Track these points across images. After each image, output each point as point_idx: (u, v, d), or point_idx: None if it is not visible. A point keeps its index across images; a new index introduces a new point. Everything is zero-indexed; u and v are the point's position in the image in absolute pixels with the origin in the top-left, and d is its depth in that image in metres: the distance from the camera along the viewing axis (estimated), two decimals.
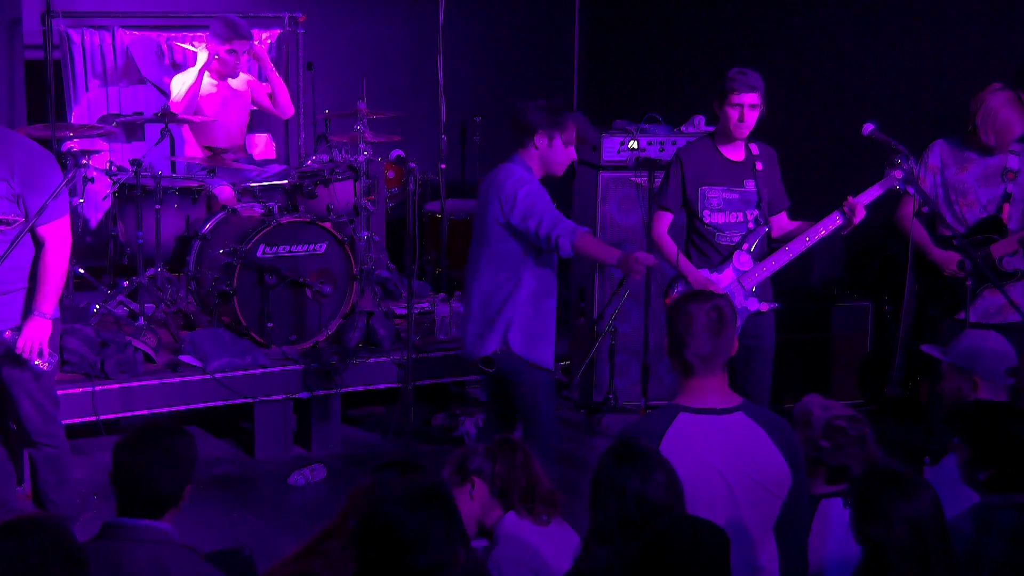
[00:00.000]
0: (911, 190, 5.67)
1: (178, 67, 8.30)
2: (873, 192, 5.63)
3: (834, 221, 5.60)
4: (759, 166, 5.70)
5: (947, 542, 3.18)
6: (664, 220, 5.75)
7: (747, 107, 5.54)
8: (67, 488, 5.34)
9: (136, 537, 3.37)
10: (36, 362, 4.91)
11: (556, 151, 5.17)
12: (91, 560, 3.28)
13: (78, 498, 5.53)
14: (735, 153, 5.71)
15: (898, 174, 5.58)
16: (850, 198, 5.59)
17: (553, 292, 5.29)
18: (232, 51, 7.58)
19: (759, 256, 5.70)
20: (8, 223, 4.83)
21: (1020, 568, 3.26)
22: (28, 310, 4.93)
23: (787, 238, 5.76)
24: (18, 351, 4.88)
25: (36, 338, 4.90)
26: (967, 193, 6.06)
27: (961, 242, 5.86)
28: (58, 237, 4.93)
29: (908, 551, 3.13)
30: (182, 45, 8.38)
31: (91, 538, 3.43)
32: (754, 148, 5.73)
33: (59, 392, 6.13)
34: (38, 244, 4.94)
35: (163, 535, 3.41)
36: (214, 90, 7.67)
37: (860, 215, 5.57)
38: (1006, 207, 6.05)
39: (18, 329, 4.91)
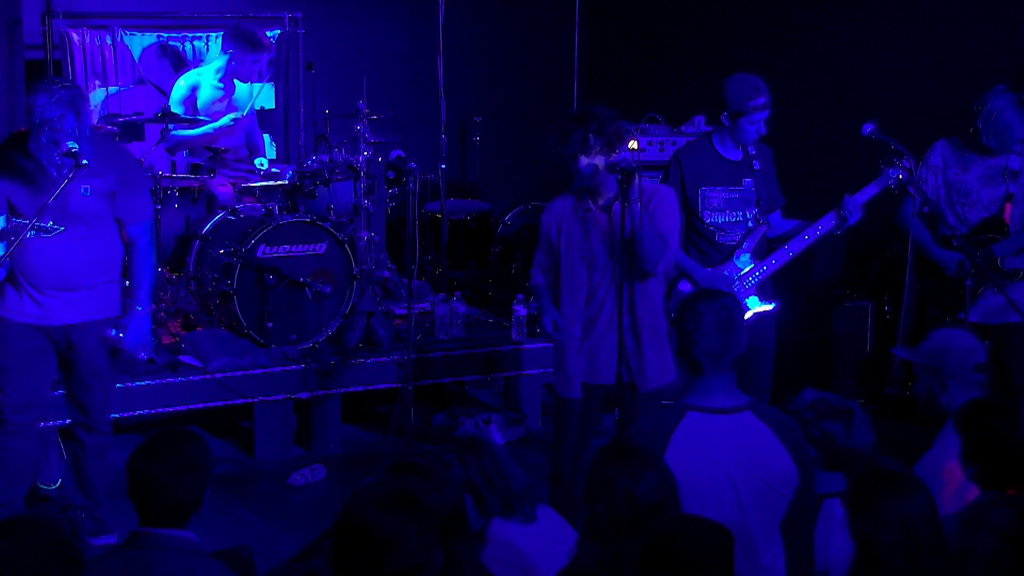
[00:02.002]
0: (911, 189, 5.67)
1: (181, 67, 8.30)
2: (869, 191, 5.64)
3: (830, 220, 5.62)
4: (756, 165, 5.71)
5: (940, 543, 3.18)
6: None
7: (765, 120, 5.57)
8: (106, 472, 5.60)
9: (168, 546, 3.34)
10: (141, 353, 5.31)
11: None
12: (123, 568, 3.28)
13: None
14: (733, 153, 5.72)
15: (894, 172, 5.59)
16: (847, 197, 5.60)
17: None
18: (257, 61, 7.65)
19: (759, 255, 5.71)
20: (99, 219, 5.15)
21: (1010, 565, 3.26)
22: (127, 306, 5.31)
23: (784, 237, 5.77)
24: (125, 347, 5.24)
25: (143, 331, 5.28)
26: (969, 193, 6.08)
27: (961, 242, 5.86)
28: (148, 236, 5.36)
29: (898, 550, 3.13)
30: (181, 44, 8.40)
31: (119, 546, 3.42)
32: (751, 147, 5.74)
33: (58, 392, 6.17)
34: (127, 243, 5.30)
35: (193, 545, 3.38)
36: (220, 93, 7.68)
37: (856, 215, 5.59)
38: (1008, 207, 6.05)
39: (115, 323, 5.24)
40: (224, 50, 7.69)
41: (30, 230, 4.91)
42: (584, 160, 4.92)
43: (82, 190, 5.10)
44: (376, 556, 2.90)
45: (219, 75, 7.65)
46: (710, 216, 5.69)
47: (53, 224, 5.00)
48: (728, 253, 5.69)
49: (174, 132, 7.33)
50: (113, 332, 5.23)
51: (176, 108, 7.49)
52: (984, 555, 3.25)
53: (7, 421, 5.30)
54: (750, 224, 5.71)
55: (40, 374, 5.33)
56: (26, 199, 5.08)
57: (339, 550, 2.95)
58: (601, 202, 5.04)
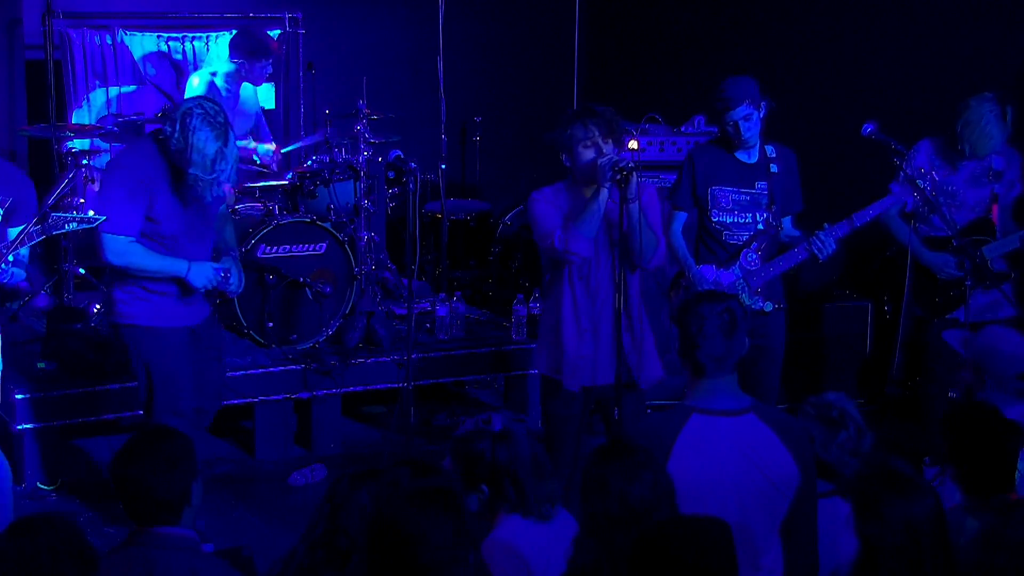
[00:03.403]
0: (915, 197, 5.67)
1: (180, 67, 8.31)
2: (881, 205, 5.63)
3: (803, 252, 5.61)
4: (774, 168, 5.69)
5: (945, 547, 3.17)
6: (678, 219, 5.76)
7: (741, 121, 5.55)
8: None
9: (168, 545, 3.36)
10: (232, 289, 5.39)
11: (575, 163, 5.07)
12: (124, 566, 3.29)
13: None
14: (748, 155, 5.70)
15: (897, 188, 5.61)
16: (826, 227, 5.58)
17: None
18: (265, 67, 7.71)
19: (768, 256, 5.71)
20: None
21: (993, 569, 3.27)
22: (224, 253, 5.43)
23: (784, 248, 5.75)
24: (232, 285, 5.32)
25: (242, 272, 5.41)
26: (956, 195, 6.07)
27: (961, 243, 5.87)
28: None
29: (901, 552, 3.13)
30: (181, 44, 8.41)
31: (119, 544, 3.43)
32: (771, 150, 5.72)
33: (58, 392, 6.17)
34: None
35: (194, 543, 3.40)
36: (230, 97, 7.70)
37: (829, 249, 5.56)
38: (994, 208, 6.04)
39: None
40: (232, 59, 7.69)
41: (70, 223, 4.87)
42: (606, 148, 4.94)
43: (215, 193, 5.20)
44: (405, 549, 2.91)
45: (228, 80, 7.67)
46: (718, 215, 5.70)
47: (94, 214, 4.98)
48: (735, 252, 5.69)
49: None
50: (221, 272, 5.27)
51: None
52: (968, 560, 3.26)
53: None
54: (760, 226, 5.70)
55: (190, 374, 5.39)
56: (172, 215, 5.11)
57: (371, 544, 2.97)
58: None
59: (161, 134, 5.06)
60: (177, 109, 5.04)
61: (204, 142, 4.92)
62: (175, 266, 5.16)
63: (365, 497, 3.47)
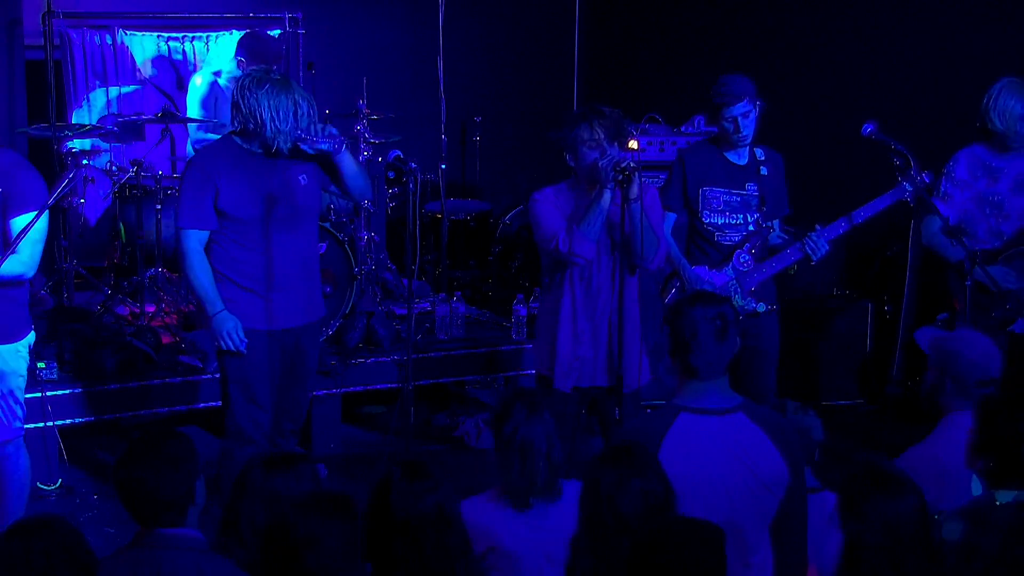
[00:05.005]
0: (910, 197, 5.62)
1: (179, 67, 8.31)
2: (882, 202, 5.58)
3: (796, 252, 5.59)
4: (764, 171, 5.69)
5: (927, 546, 3.17)
6: (668, 220, 5.74)
7: (740, 117, 5.53)
8: None
9: (174, 545, 3.35)
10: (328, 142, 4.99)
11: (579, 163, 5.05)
12: (130, 568, 3.28)
13: None
14: (739, 156, 5.70)
15: (909, 185, 5.51)
16: (818, 228, 5.55)
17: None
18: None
19: (760, 257, 5.70)
20: (317, 210, 5.18)
21: (1013, 564, 3.26)
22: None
23: (773, 250, 5.74)
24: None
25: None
26: (1001, 205, 5.95)
27: (951, 228, 5.77)
28: None
29: (881, 550, 3.13)
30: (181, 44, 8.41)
31: (124, 546, 3.42)
32: (760, 152, 5.71)
33: (57, 392, 6.16)
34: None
35: (200, 543, 3.39)
36: (228, 94, 7.70)
37: (823, 250, 5.53)
38: None
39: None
40: (237, 55, 7.68)
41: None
42: (609, 149, 4.92)
43: (300, 179, 5.10)
44: (292, 553, 2.91)
45: (230, 80, 7.65)
46: (709, 216, 5.69)
47: None
48: (728, 253, 5.69)
49: (206, 134, 7.37)
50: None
51: (198, 109, 7.50)
52: (989, 554, 3.26)
53: (245, 433, 5.19)
54: (751, 228, 5.70)
55: (271, 382, 5.27)
56: (243, 200, 5.05)
57: (263, 546, 2.98)
58: None
59: (235, 123, 5.06)
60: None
61: (268, 95, 4.90)
62: (209, 298, 5.07)
63: (279, 484, 3.48)
